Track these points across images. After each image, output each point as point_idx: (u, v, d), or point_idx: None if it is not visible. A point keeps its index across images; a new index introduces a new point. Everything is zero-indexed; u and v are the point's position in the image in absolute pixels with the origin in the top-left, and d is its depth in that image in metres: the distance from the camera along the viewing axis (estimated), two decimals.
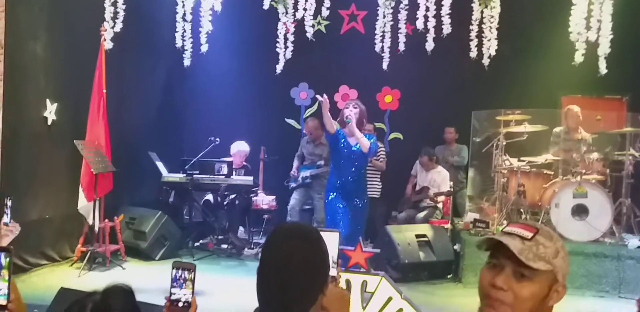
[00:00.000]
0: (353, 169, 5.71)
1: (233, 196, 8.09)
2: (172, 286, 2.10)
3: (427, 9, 6.34)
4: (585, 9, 6.13)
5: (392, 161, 8.71)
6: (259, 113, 9.47)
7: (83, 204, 6.81)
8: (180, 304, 2.08)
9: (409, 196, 8.38)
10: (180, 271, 2.12)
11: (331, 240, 2.22)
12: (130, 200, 8.08)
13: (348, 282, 4.69)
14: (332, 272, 2.20)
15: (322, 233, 2.04)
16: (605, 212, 6.78)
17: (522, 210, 7.43)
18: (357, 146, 5.64)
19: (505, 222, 7.27)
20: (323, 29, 9.63)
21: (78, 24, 6.95)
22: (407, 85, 9.53)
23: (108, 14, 6.39)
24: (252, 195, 8.29)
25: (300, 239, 1.94)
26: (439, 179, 8.08)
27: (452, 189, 7.89)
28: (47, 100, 6.62)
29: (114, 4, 6.34)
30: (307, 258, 1.89)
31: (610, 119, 7.95)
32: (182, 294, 2.09)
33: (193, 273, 2.12)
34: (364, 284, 4.68)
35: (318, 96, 5.68)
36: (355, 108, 5.75)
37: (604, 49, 6.02)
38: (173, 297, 2.08)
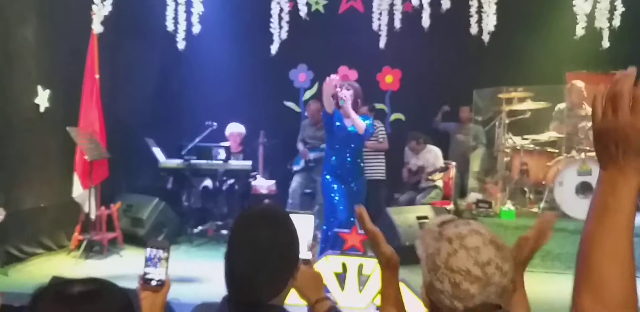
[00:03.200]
0: (348, 151, 5.54)
1: (232, 181, 7.97)
2: (146, 265, 2.04)
3: None
4: None
5: (395, 142, 8.54)
6: (257, 96, 9.30)
7: (79, 192, 6.71)
8: (154, 283, 2.02)
9: (406, 179, 8.24)
10: (154, 250, 2.06)
11: (305, 223, 2.14)
12: (127, 187, 7.98)
13: (344, 265, 4.58)
14: (307, 255, 2.12)
15: (295, 216, 1.96)
16: None
17: (525, 189, 7.31)
18: (353, 127, 5.48)
19: (508, 201, 7.14)
20: (321, 9, 9.47)
21: (68, 8, 6.81)
22: (408, 64, 9.34)
23: None
24: (250, 180, 8.16)
25: (268, 221, 1.88)
26: (431, 158, 7.94)
27: (445, 165, 7.77)
28: (39, 87, 6.50)
29: None
30: (275, 241, 1.82)
31: None
32: (157, 273, 2.03)
33: (167, 252, 2.06)
34: (361, 267, 4.57)
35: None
36: (348, 89, 5.57)
37: (604, 22, 5.82)
38: (147, 276, 2.02)
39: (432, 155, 7.94)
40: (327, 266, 4.55)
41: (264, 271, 1.76)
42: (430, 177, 7.75)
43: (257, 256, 1.78)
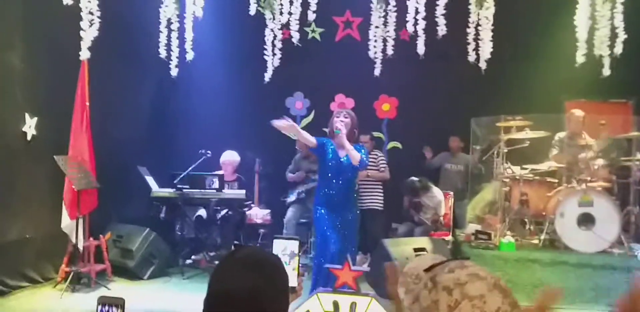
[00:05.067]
0: (341, 182, 5.35)
1: (226, 210, 7.79)
2: None
3: (417, 12, 6.01)
4: (589, 9, 5.83)
5: (392, 170, 8.37)
6: (252, 124, 9.13)
7: (67, 222, 6.53)
8: None
9: (406, 208, 8.04)
10: (107, 308, 1.86)
11: (290, 249, 1.98)
12: (119, 217, 7.77)
13: (336, 303, 4.38)
14: (293, 282, 1.96)
15: (279, 241, 1.79)
16: (613, 221, 6.44)
17: (525, 220, 7.12)
18: (346, 158, 5.32)
19: (508, 233, 6.95)
20: (318, 37, 9.42)
21: (56, 33, 6.70)
22: (405, 92, 9.26)
23: (85, 22, 6.07)
24: (245, 209, 7.98)
25: (254, 267, 1.65)
26: (432, 203, 7.68)
27: (440, 217, 7.56)
28: (26, 115, 6.38)
29: (91, 13, 6.04)
30: (260, 290, 1.61)
31: (616, 124, 7.64)
32: None
33: (121, 309, 1.86)
34: (353, 305, 4.35)
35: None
36: (346, 118, 5.43)
37: (605, 49, 5.69)
38: None
39: (434, 202, 7.66)
40: (318, 304, 4.35)
41: None
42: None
43: (237, 306, 1.59)
